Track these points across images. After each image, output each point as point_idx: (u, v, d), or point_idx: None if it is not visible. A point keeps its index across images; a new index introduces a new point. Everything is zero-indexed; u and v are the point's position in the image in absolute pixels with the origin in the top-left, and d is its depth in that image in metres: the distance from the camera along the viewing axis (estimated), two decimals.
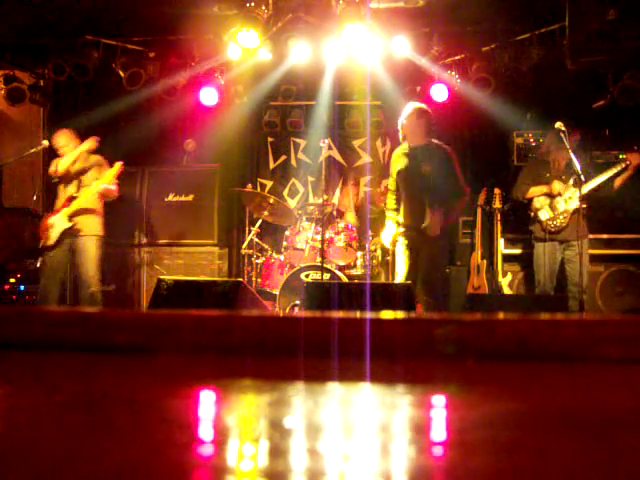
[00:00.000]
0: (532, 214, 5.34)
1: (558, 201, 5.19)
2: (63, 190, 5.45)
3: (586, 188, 5.05)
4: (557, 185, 5.19)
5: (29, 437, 0.89)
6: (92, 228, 5.37)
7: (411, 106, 4.79)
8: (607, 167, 5.30)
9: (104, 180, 5.33)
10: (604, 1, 4.89)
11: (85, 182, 5.41)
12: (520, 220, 6.22)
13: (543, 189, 5.26)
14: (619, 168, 5.12)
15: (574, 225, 5.07)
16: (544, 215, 5.23)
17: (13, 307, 5.19)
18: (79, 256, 5.32)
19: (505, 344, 1.31)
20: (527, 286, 6.10)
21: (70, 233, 5.32)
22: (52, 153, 5.59)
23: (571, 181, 5.17)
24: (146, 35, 6.70)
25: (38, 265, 6.14)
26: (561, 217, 5.16)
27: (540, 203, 5.27)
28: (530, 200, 5.33)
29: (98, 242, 5.38)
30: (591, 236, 5.49)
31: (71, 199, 5.36)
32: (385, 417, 1.02)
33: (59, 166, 5.38)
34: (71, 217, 5.31)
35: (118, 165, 5.36)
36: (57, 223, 5.33)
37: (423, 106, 4.78)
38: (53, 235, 5.31)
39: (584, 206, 5.14)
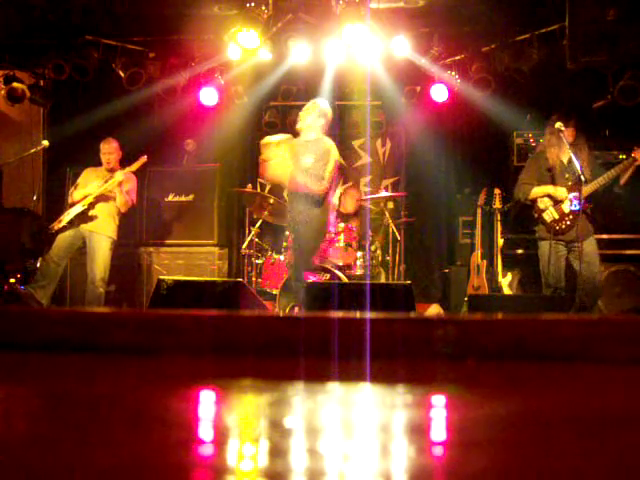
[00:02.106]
0: (536, 215, 5.14)
1: (563, 202, 5.00)
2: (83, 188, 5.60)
3: (591, 188, 4.91)
4: (560, 192, 5.00)
5: (29, 437, 0.89)
6: (108, 229, 5.49)
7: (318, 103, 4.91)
8: (609, 167, 5.19)
9: (130, 169, 5.50)
10: (604, 1, 4.89)
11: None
12: (519, 221, 6.22)
13: (548, 190, 5.06)
14: (626, 165, 4.92)
15: (579, 226, 4.91)
16: (549, 216, 5.04)
17: (13, 307, 5.19)
18: (91, 253, 5.40)
19: (505, 344, 1.31)
20: (528, 286, 6.10)
21: (84, 222, 5.42)
22: (52, 153, 5.60)
23: (575, 180, 4.97)
24: (146, 35, 6.70)
25: (38, 265, 6.14)
26: (566, 219, 4.96)
27: (544, 204, 5.06)
28: (533, 201, 5.13)
29: (111, 244, 5.48)
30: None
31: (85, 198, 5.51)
32: (385, 417, 1.02)
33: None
34: (87, 204, 5.43)
35: (144, 159, 5.55)
36: (72, 210, 5.46)
37: (324, 106, 4.89)
38: (65, 219, 5.41)
39: (589, 206, 5.01)
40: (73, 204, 5.55)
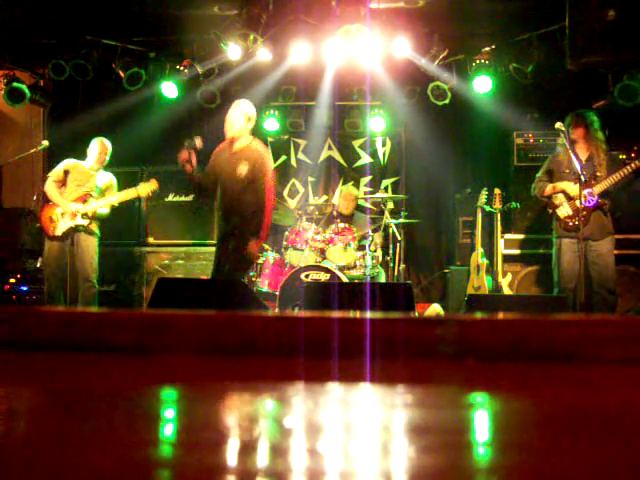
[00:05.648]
0: (550, 211, 5.09)
1: (577, 198, 4.83)
2: (75, 187, 5.44)
3: (603, 185, 4.85)
4: (574, 188, 4.89)
5: (29, 438, 0.89)
6: (94, 226, 5.44)
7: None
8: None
9: (142, 192, 5.49)
10: (604, 1, 4.89)
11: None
12: (524, 220, 6.23)
13: (563, 186, 5.00)
14: (635, 166, 4.83)
15: (595, 223, 4.86)
16: (562, 213, 4.98)
17: (13, 307, 5.19)
18: (80, 252, 5.35)
19: (505, 344, 1.31)
20: (530, 286, 6.10)
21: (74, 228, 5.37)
22: (52, 153, 5.60)
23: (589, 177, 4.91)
24: (146, 35, 6.71)
25: (38, 265, 6.14)
26: (580, 215, 4.80)
27: (559, 200, 5.01)
28: (549, 198, 5.08)
29: (98, 241, 5.45)
30: None
31: (87, 196, 5.38)
32: (385, 417, 1.02)
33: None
34: (88, 216, 5.35)
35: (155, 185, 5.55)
36: (68, 218, 5.32)
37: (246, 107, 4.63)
38: (62, 226, 5.31)
39: (606, 202, 4.90)
40: (47, 200, 5.39)
